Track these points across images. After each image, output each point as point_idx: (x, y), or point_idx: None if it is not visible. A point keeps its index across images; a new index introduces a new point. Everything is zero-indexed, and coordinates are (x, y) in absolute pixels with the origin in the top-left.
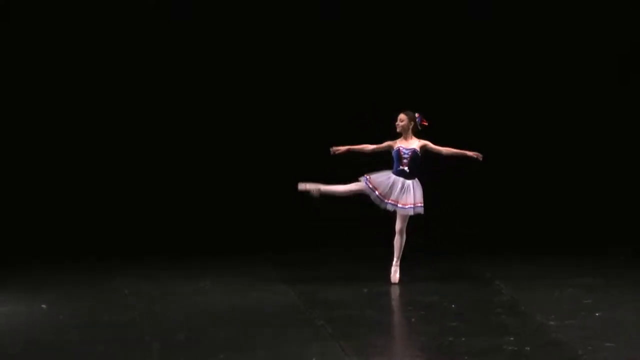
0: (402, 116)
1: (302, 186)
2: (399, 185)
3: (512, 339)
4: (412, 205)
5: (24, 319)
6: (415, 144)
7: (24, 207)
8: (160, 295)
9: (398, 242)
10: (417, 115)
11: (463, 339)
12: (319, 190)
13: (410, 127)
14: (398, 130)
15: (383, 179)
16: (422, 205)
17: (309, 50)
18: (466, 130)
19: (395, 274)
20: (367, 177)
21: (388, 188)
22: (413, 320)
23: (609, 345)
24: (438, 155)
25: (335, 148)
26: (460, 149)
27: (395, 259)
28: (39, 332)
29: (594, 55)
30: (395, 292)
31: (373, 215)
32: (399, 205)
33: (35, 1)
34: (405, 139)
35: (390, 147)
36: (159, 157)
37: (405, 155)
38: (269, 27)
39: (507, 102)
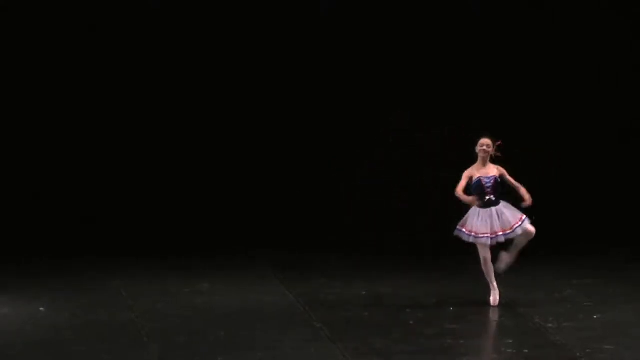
0: (488, 142)
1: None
2: (494, 215)
3: (510, 341)
4: (519, 223)
5: (23, 320)
6: (494, 171)
7: (21, 207)
8: (159, 296)
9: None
10: (498, 142)
11: (462, 341)
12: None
13: (491, 154)
14: (482, 156)
15: (476, 220)
16: (524, 218)
17: (310, 47)
18: (466, 128)
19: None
20: (463, 230)
21: (483, 223)
22: (411, 322)
23: (608, 348)
24: (509, 186)
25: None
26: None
27: (492, 284)
28: (38, 332)
29: (591, 56)
30: (393, 294)
31: (372, 217)
32: (506, 232)
33: (34, 1)
34: (483, 166)
35: (470, 179)
36: (157, 157)
37: (488, 185)
38: (268, 24)
39: (506, 100)
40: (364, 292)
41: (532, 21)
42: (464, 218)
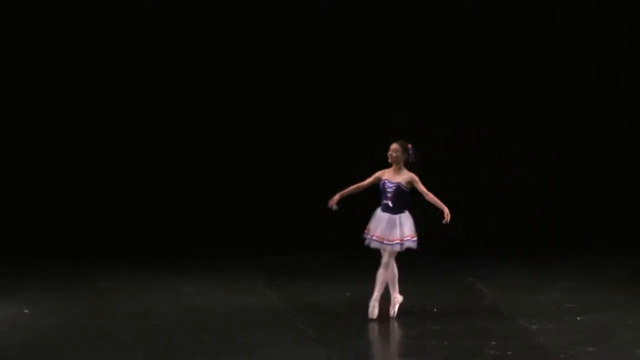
0: (395, 146)
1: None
2: (385, 221)
3: (494, 343)
4: (398, 241)
5: (9, 322)
6: (403, 177)
7: (10, 210)
8: (145, 298)
9: (381, 276)
10: (410, 146)
11: (446, 342)
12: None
13: (404, 159)
14: (390, 160)
15: (374, 219)
16: (414, 238)
17: (310, 47)
18: (458, 130)
19: (374, 309)
20: (367, 231)
21: (377, 225)
22: (396, 324)
23: (591, 350)
24: (422, 195)
25: (330, 202)
26: (439, 198)
27: (375, 293)
28: (24, 335)
29: (591, 56)
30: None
31: (357, 220)
32: (385, 241)
33: (35, 1)
34: (395, 170)
35: (379, 179)
36: (148, 159)
37: (389, 190)
38: (267, 25)
39: (506, 99)
40: (348, 294)
41: (532, 21)
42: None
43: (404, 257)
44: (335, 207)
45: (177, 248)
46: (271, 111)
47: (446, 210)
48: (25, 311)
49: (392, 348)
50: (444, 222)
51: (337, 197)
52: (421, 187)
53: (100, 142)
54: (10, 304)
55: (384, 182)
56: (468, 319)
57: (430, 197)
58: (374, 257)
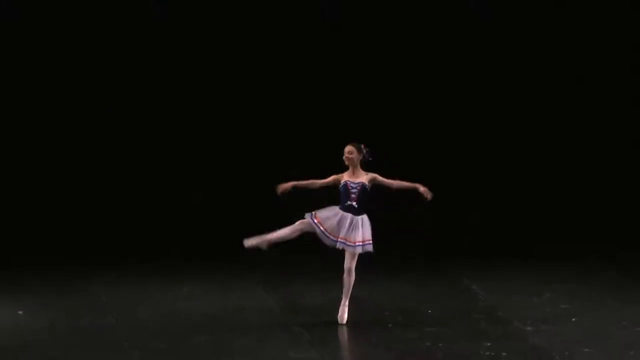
0: (350, 148)
1: (248, 243)
2: (347, 222)
3: (489, 344)
4: (361, 243)
5: (3, 325)
6: (363, 177)
7: (5, 212)
8: (140, 301)
9: (347, 281)
10: (363, 146)
11: (441, 344)
12: (266, 241)
13: (359, 159)
14: (346, 163)
15: (330, 214)
16: (371, 242)
17: (307, 52)
18: (449, 131)
19: (343, 314)
20: (313, 213)
21: (336, 224)
22: (390, 325)
23: (586, 351)
24: (388, 188)
25: (280, 187)
26: (412, 182)
27: (343, 298)
28: (18, 338)
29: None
30: (372, 298)
31: None
32: (347, 242)
33: (37, 3)
34: (353, 172)
35: (337, 182)
36: (138, 162)
37: (354, 190)
38: (265, 30)
39: (498, 102)
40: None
41: (535, 22)
42: (324, 208)
43: (398, 260)
44: (282, 192)
45: (172, 250)
46: (259, 113)
47: (420, 187)
48: (20, 312)
49: (387, 350)
50: (428, 199)
51: (289, 185)
52: (385, 180)
53: (97, 146)
54: (6, 306)
55: (346, 183)
56: (463, 321)
57: (397, 184)
58: (366, 258)
